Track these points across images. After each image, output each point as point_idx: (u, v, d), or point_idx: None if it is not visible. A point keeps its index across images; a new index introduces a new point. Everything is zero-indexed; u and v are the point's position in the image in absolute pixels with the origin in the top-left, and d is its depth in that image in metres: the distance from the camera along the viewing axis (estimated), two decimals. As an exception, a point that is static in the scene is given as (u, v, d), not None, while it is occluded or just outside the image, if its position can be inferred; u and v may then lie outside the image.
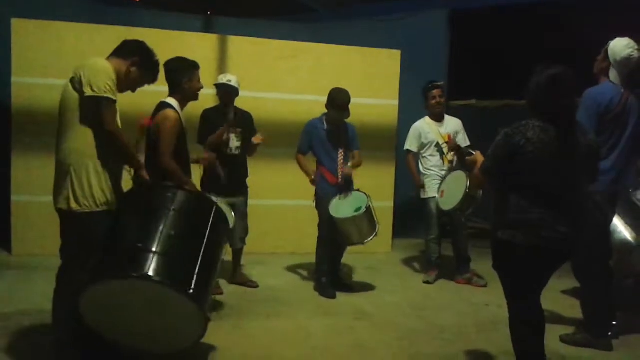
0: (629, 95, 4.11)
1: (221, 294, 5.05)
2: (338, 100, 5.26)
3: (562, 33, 7.65)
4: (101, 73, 3.23)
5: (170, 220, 3.24)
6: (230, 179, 5.16)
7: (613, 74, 4.11)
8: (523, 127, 3.07)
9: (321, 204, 5.34)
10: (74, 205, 3.26)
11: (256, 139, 5.28)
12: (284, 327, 4.48)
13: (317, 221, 5.45)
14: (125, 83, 3.49)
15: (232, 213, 4.76)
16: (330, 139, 5.39)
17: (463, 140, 5.98)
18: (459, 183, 5.19)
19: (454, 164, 5.84)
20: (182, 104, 4.08)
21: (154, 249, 3.10)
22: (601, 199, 4.03)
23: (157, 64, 3.65)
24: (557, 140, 3.03)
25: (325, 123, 5.41)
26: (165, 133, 3.88)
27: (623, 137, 4.10)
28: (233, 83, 5.23)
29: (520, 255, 3.11)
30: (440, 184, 5.63)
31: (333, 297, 5.27)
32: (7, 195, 6.32)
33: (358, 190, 5.35)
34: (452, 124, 6.02)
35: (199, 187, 4.58)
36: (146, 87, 3.70)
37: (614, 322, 4.22)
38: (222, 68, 6.69)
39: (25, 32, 6.24)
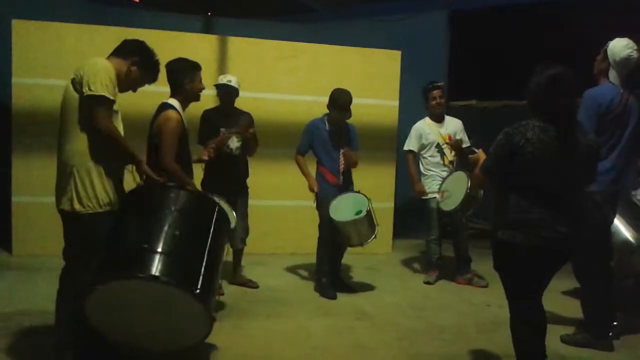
0: (628, 96, 4.11)
1: (222, 294, 5.05)
2: (340, 101, 5.26)
3: (562, 33, 7.65)
4: (100, 72, 3.22)
5: (174, 221, 3.24)
6: (231, 179, 5.16)
7: (612, 75, 4.11)
8: (523, 127, 3.07)
9: (322, 204, 5.34)
10: (77, 206, 3.26)
11: (245, 121, 5.18)
12: (284, 327, 4.48)
13: (317, 221, 5.46)
14: (126, 83, 3.49)
15: (234, 213, 4.76)
16: (332, 139, 5.39)
17: (463, 141, 5.97)
18: (460, 183, 5.20)
19: (455, 165, 5.84)
20: (184, 105, 4.07)
21: (159, 250, 3.10)
22: (601, 199, 4.03)
23: (157, 63, 3.65)
24: (557, 140, 3.03)
25: (326, 123, 5.42)
26: (167, 134, 3.88)
27: (623, 138, 4.11)
28: (233, 83, 5.24)
29: (521, 256, 3.11)
30: (441, 184, 5.63)
31: (333, 297, 5.27)
32: (7, 195, 6.32)
33: (359, 192, 5.35)
34: (452, 125, 6.02)
35: (199, 188, 4.58)
36: (148, 88, 3.71)
37: (614, 323, 4.21)
38: (222, 69, 6.69)
39: (26, 33, 6.24)
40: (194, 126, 5.00)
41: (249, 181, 5.48)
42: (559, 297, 5.34)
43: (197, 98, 4.16)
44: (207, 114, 5.30)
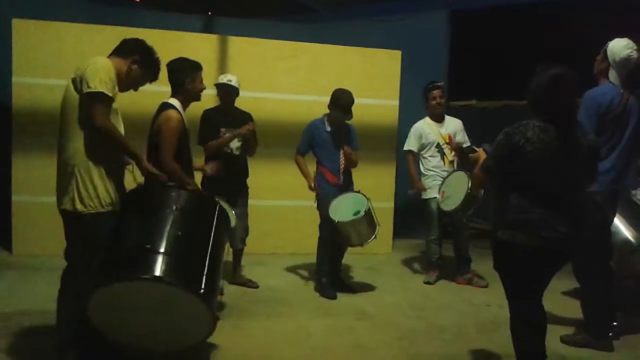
0: (628, 96, 4.11)
1: (222, 294, 5.04)
2: (342, 102, 5.26)
3: (562, 33, 7.66)
4: (100, 71, 3.22)
5: (175, 221, 3.24)
6: (231, 179, 5.16)
7: (612, 75, 4.11)
8: (523, 127, 3.07)
9: (322, 204, 5.35)
10: (79, 206, 3.25)
11: (248, 126, 5.21)
12: (284, 327, 4.48)
13: (317, 221, 5.46)
14: (127, 82, 3.48)
15: (233, 212, 4.77)
16: (332, 139, 5.39)
17: (463, 141, 5.97)
18: (461, 183, 5.20)
19: (455, 165, 5.84)
20: (185, 105, 4.07)
21: (162, 250, 3.09)
22: (601, 199, 4.03)
23: (157, 61, 3.64)
24: (557, 140, 3.03)
25: (327, 124, 5.42)
26: (167, 133, 3.87)
27: (623, 138, 4.11)
28: (233, 83, 5.24)
29: (521, 256, 3.11)
30: (441, 184, 5.63)
31: (333, 297, 5.27)
32: (7, 195, 6.33)
33: (359, 192, 5.35)
34: (452, 125, 6.02)
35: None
36: (149, 88, 3.70)
37: (614, 323, 4.21)
38: (222, 68, 6.69)
39: (26, 33, 6.24)
40: (194, 126, 5.00)
41: (249, 181, 5.49)
42: (559, 298, 5.34)
43: (198, 98, 4.16)
44: (207, 113, 5.30)
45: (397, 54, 7.30)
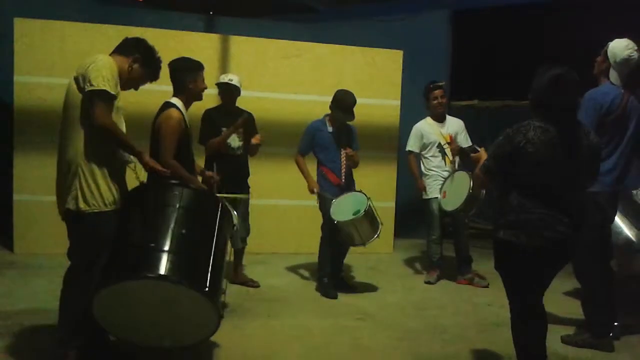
0: (629, 96, 4.11)
1: (223, 293, 5.04)
2: (345, 103, 5.26)
3: (563, 33, 7.65)
4: (102, 69, 3.22)
5: (179, 219, 3.24)
6: (232, 178, 5.16)
7: (613, 75, 4.11)
8: (524, 127, 3.07)
9: (323, 204, 5.34)
10: (82, 205, 3.24)
11: (255, 140, 5.29)
12: (285, 327, 4.48)
13: (318, 221, 5.45)
14: (128, 80, 3.48)
15: (235, 212, 4.77)
16: (334, 140, 5.40)
17: (465, 141, 5.97)
18: (462, 183, 5.20)
19: (456, 165, 5.84)
20: (187, 104, 4.07)
21: (166, 248, 3.10)
22: (602, 199, 4.03)
23: (158, 60, 3.64)
24: (558, 140, 3.03)
25: (328, 124, 5.42)
26: (167, 132, 3.87)
27: (624, 138, 4.11)
28: (235, 82, 5.25)
29: (522, 256, 3.11)
30: (443, 184, 5.63)
31: (334, 297, 5.27)
32: (9, 194, 6.33)
33: (360, 191, 5.35)
34: (453, 125, 6.01)
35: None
36: (151, 87, 3.70)
37: (615, 323, 4.21)
38: (224, 68, 6.70)
39: (28, 31, 6.25)
40: (196, 125, 5.00)
41: (250, 180, 5.49)
42: (560, 298, 5.34)
43: (199, 97, 4.16)
44: (208, 113, 5.31)
45: (398, 54, 7.30)
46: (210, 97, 5.40)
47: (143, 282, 3.08)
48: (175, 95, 4.07)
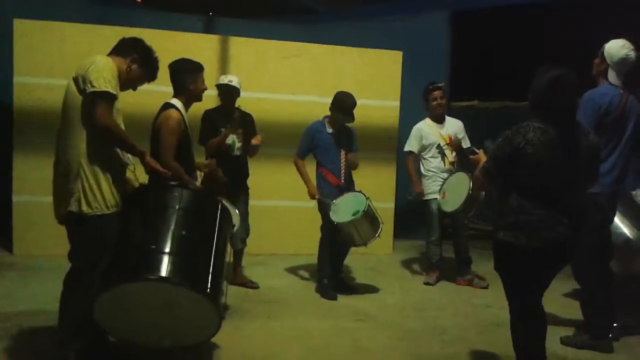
0: (628, 96, 4.11)
1: (223, 294, 5.04)
2: (345, 104, 5.27)
3: (563, 34, 7.66)
4: (103, 70, 3.21)
5: (179, 220, 3.24)
6: (231, 179, 5.16)
7: (612, 75, 4.11)
8: (523, 128, 3.07)
9: (323, 205, 5.34)
10: (85, 208, 3.23)
11: (255, 140, 5.30)
12: (285, 328, 4.47)
13: (318, 222, 5.45)
14: (126, 81, 3.48)
15: (237, 211, 4.77)
16: (334, 141, 5.40)
17: (464, 142, 5.96)
18: (462, 184, 5.20)
19: (456, 166, 5.84)
20: (187, 105, 4.08)
21: (167, 250, 3.10)
22: (602, 200, 4.02)
23: (156, 60, 3.63)
24: (558, 141, 3.03)
25: (327, 126, 5.42)
26: (166, 132, 3.87)
27: (623, 138, 4.11)
28: (234, 83, 5.25)
29: (521, 256, 3.11)
30: (442, 185, 5.63)
31: (334, 298, 5.27)
32: (8, 195, 6.33)
33: (359, 191, 5.35)
34: (453, 125, 6.01)
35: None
36: (151, 88, 3.70)
37: (614, 324, 4.21)
38: (223, 69, 6.70)
39: (27, 33, 6.24)
40: (196, 126, 5.00)
41: (250, 180, 5.49)
42: (560, 299, 5.33)
43: (199, 98, 4.17)
44: (208, 113, 5.31)
45: (398, 55, 7.30)
46: (210, 98, 5.39)
47: (144, 285, 3.09)
48: (175, 96, 4.07)
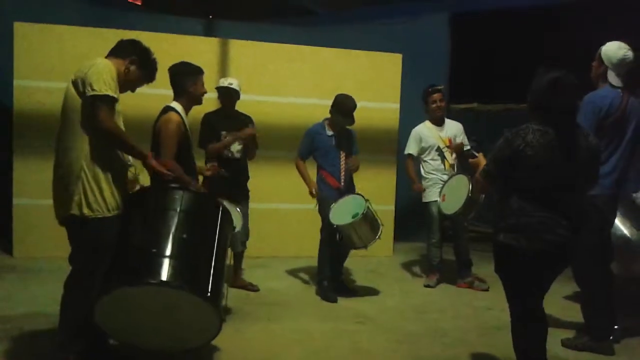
0: (628, 97, 4.10)
1: (224, 297, 5.03)
2: (345, 107, 5.27)
3: (563, 35, 7.67)
4: (103, 73, 3.21)
5: (180, 223, 3.24)
6: (231, 182, 5.16)
7: (612, 77, 4.11)
8: (523, 131, 3.07)
9: (323, 207, 5.34)
10: (86, 210, 3.23)
11: (250, 130, 5.23)
12: (285, 330, 4.47)
13: (318, 224, 5.45)
14: (125, 83, 3.47)
15: (238, 210, 4.77)
16: (334, 144, 5.40)
17: (463, 144, 5.96)
18: (462, 187, 5.19)
19: (456, 168, 5.84)
20: (187, 108, 4.08)
21: (167, 254, 3.10)
22: (602, 203, 4.02)
23: (154, 62, 3.63)
24: (557, 143, 3.03)
25: (328, 128, 5.42)
26: (166, 135, 3.88)
27: (623, 140, 4.10)
28: (234, 86, 5.25)
29: (522, 259, 3.11)
30: (442, 188, 5.62)
31: (334, 301, 5.26)
32: (8, 197, 6.32)
33: (359, 194, 5.35)
34: (452, 128, 6.01)
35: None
36: (152, 91, 3.70)
37: (615, 326, 4.21)
38: (223, 71, 6.70)
39: (27, 35, 6.25)
40: (196, 129, 5.00)
41: (250, 183, 5.49)
42: (560, 301, 5.33)
43: (199, 101, 4.18)
44: (208, 116, 5.31)
45: (398, 57, 7.31)
46: (210, 101, 5.40)
47: (145, 288, 3.08)
48: (175, 99, 4.08)
